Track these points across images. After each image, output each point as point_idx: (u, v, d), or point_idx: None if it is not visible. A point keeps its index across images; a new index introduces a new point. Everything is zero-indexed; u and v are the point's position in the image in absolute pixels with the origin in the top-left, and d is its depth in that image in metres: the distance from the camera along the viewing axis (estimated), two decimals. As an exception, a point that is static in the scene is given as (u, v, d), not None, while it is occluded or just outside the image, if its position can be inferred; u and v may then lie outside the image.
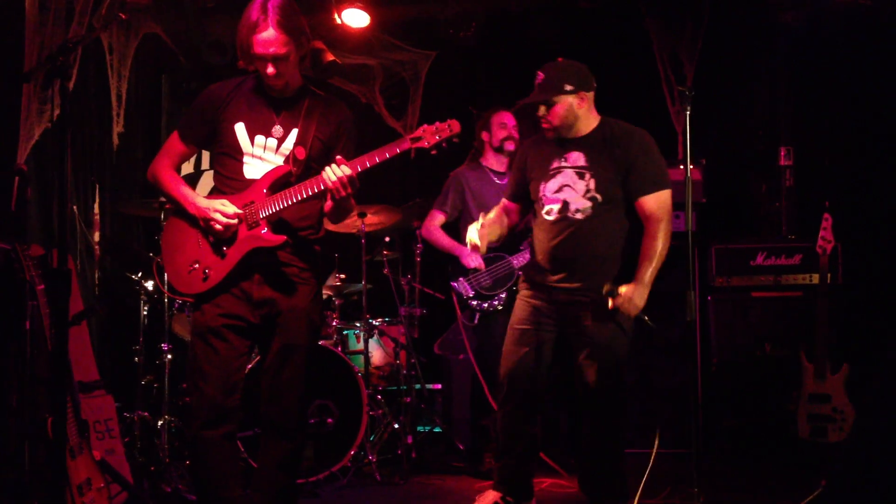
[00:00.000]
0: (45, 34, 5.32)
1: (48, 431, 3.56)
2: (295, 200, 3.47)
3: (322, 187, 3.44)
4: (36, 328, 3.90)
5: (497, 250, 5.27)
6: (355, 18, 6.48)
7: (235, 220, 3.50)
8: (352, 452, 5.19)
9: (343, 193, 3.41)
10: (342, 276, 6.14)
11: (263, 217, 3.49)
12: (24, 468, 3.98)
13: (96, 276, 6.04)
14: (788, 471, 5.30)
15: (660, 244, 4.02)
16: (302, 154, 3.55)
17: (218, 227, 3.50)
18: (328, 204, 3.59)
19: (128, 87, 6.34)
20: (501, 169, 5.60)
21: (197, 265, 3.56)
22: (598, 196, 4.12)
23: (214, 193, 3.66)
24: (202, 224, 3.55)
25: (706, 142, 5.62)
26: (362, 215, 5.70)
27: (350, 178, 3.38)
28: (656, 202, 4.07)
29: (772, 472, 5.38)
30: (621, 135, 4.20)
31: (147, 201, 5.47)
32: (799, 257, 5.96)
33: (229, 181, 3.63)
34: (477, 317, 5.32)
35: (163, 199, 5.20)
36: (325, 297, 6.26)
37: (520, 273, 5.04)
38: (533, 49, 7.06)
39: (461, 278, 5.37)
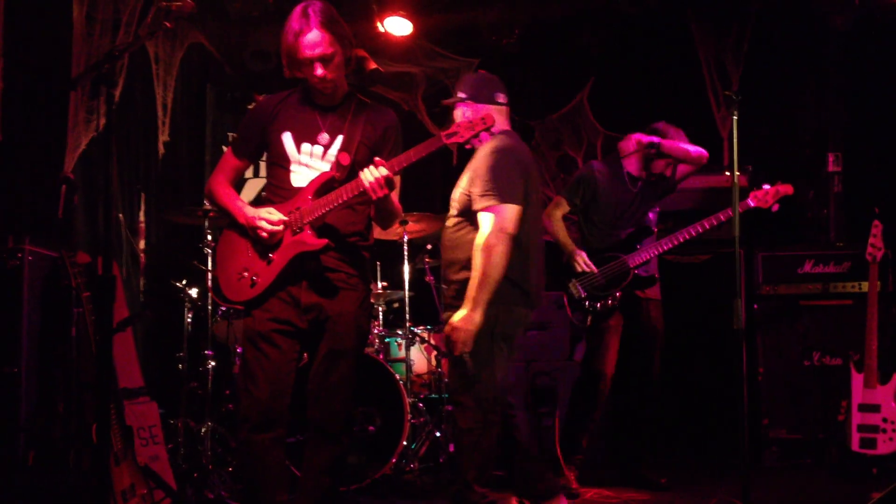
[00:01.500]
0: (93, 44, 5.39)
1: (93, 437, 3.60)
2: (337, 204, 3.50)
3: (345, 199, 3.48)
4: (82, 335, 3.94)
5: (613, 250, 5.23)
6: (398, 26, 6.49)
7: (280, 227, 3.54)
8: (393, 461, 5.18)
9: (380, 194, 3.43)
10: (384, 283, 6.14)
11: (307, 222, 3.53)
12: (70, 473, 4.01)
13: (141, 283, 6.10)
14: (837, 482, 5.21)
15: (478, 260, 3.80)
16: (346, 160, 3.57)
17: (263, 234, 3.55)
18: (374, 208, 3.66)
19: (173, 97, 6.41)
20: (639, 175, 5.35)
21: (246, 273, 3.61)
22: (457, 205, 4.08)
23: (265, 203, 3.70)
24: (251, 233, 3.60)
25: (753, 147, 5.55)
26: (404, 223, 5.71)
27: (387, 178, 3.41)
28: (484, 216, 3.86)
29: (820, 483, 5.29)
30: (482, 147, 4.08)
31: (192, 209, 5.52)
32: (848, 265, 5.87)
33: (278, 190, 3.68)
34: (589, 318, 5.25)
35: (207, 207, 5.24)
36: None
37: (635, 272, 5.13)
38: (576, 55, 7.04)
39: (574, 280, 5.25)
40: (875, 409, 5.20)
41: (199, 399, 5.50)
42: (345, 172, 3.56)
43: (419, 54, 6.96)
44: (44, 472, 4.16)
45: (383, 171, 3.40)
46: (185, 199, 6.66)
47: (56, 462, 4.14)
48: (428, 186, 7.54)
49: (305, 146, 3.64)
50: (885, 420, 5.17)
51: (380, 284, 6.14)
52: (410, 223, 5.78)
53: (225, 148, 6.71)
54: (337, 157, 3.59)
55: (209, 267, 5.33)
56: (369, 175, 3.40)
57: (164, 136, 6.40)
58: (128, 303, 5.27)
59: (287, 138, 3.65)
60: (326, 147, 3.64)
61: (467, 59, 7.10)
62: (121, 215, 5.91)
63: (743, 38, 6.53)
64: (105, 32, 5.45)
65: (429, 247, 6.17)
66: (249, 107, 4.68)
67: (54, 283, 4.37)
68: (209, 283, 5.34)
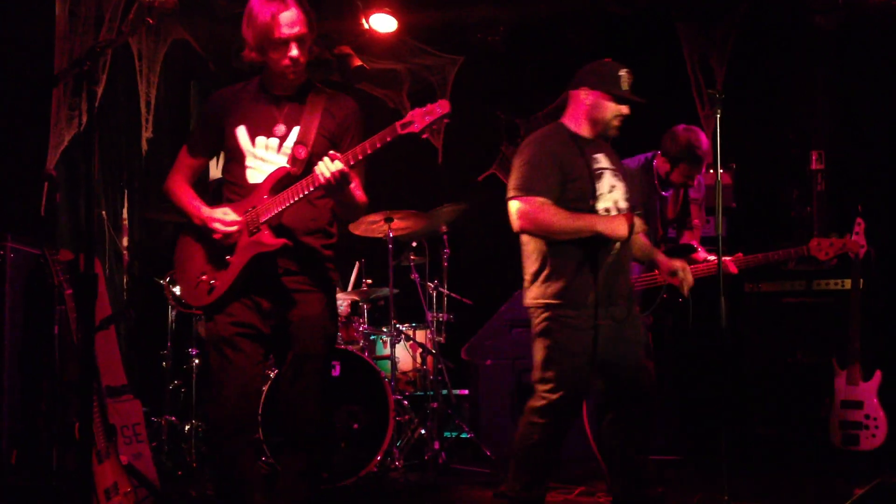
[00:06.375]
0: (75, 41, 5.36)
1: (76, 435, 3.58)
2: (293, 201, 3.36)
3: (303, 194, 3.35)
4: (64, 333, 3.92)
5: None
6: (383, 23, 6.48)
7: (234, 228, 3.42)
8: (378, 458, 5.18)
9: (337, 189, 3.30)
10: (369, 280, 6.13)
11: (264, 222, 3.39)
12: (53, 472, 3.99)
13: (125, 280, 6.08)
14: (820, 478, 5.23)
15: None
16: (302, 153, 3.44)
17: (216, 236, 3.43)
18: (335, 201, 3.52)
19: (157, 93, 6.38)
20: None
21: (204, 276, 3.48)
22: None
23: (223, 202, 3.57)
24: (208, 235, 3.48)
25: (736, 146, 5.58)
26: (389, 220, 5.69)
27: (342, 172, 3.26)
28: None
29: (804, 479, 5.31)
30: None
31: (175, 207, 5.49)
32: (831, 262, 5.89)
33: (234, 187, 3.54)
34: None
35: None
36: (352, 301, 6.27)
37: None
38: (562, 53, 7.04)
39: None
40: (858, 405, 5.23)
41: (182, 397, 5.49)
42: (301, 166, 3.43)
43: (404, 51, 6.96)
44: (27, 471, 4.14)
45: (338, 165, 3.25)
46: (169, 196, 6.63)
47: (39, 460, 4.12)
48: (414, 184, 7.54)
49: (260, 139, 3.49)
50: (867, 417, 5.20)
51: (364, 282, 6.14)
52: (396, 220, 5.76)
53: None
54: (293, 150, 3.45)
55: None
56: (324, 169, 3.26)
57: (147, 133, 6.36)
58: (111, 300, 5.24)
59: (241, 132, 3.50)
60: (282, 139, 3.48)
61: (452, 56, 7.10)
62: (104, 212, 5.88)
63: (728, 38, 6.55)
64: (88, 29, 5.42)
65: (414, 244, 6.17)
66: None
67: (37, 280, 4.35)
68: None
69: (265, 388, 5.09)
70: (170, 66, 6.54)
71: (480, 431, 6.09)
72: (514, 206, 3.90)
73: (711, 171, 5.67)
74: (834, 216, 6.41)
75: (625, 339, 3.96)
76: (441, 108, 3.24)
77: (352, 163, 3.28)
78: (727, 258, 4.96)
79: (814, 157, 6.52)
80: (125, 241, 6.05)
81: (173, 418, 5.29)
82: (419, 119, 3.23)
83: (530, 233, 3.93)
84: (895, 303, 5.86)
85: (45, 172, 5.03)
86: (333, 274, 3.64)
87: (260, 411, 5.10)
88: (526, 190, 3.88)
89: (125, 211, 6.22)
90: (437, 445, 5.59)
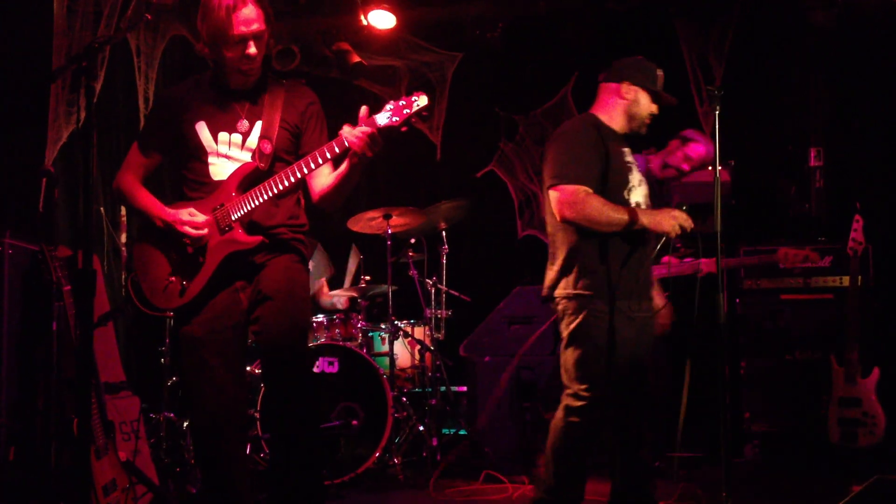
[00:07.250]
0: (73, 37, 5.36)
1: (74, 432, 3.58)
2: (268, 196, 3.33)
3: (293, 179, 3.30)
4: (62, 329, 3.92)
5: None
6: (381, 20, 6.48)
7: (206, 231, 3.36)
8: (376, 454, 5.18)
9: (368, 153, 3.21)
10: (367, 277, 6.13)
11: (236, 219, 3.35)
12: (51, 469, 3.99)
13: (123, 277, 6.07)
14: (819, 475, 5.24)
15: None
16: (268, 148, 3.40)
17: (188, 240, 3.38)
18: (332, 182, 3.43)
19: (155, 90, 6.37)
20: None
21: (173, 278, 3.41)
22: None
23: (183, 200, 3.50)
24: (173, 235, 3.41)
25: (735, 143, 5.58)
26: (388, 217, 5.70)
27: (371, 134, 3.19)
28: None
29: (802, 476, 5.32)
30: None
31: (173, 204, 5.49)
32: (829, 259, 5.89)
33: (196, 185, 3.48)
34: None
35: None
36: (350, 297, 6.27)
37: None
38: (560, 50, 7.04)
39: None
40: (856, 402, 5.24)
41: (181, 394, 5.48)
42: (268, 161, 3.39)
43: (403, 48, 6.95)
44: (25, 468, 4.14)
45: (365, 129, 3.19)
46: (167, 192, 6.62)
47: (37, 457, 4.12)
48: (412, 181, 7.54)
49: (223, 135, 3.44)
50: (865, 414, 5.20)
51: (363, 278, 6.14)
52: (394, 217, 5.77)
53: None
54: (259, 145, 3.41)
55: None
56: (351, 136, 3.19)
57: (145, 130, 6.35)
58: (109, 297, 5.24)
59: (202, 128, 3.44)
60: (245, 135, 3.43)
61: (451, 53, 7.09)
62: (102, 209, 5.87)
63: (726, 35, 6.54)
64: (86, 25, 5.42)
65: (412, 241, 6.16)
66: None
67: (35, 277, 4.35)
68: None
69: (263, 385, 5.11)
70: (168, 62, 6.53)
71: (478, 428, 6.09)
72: (554, 196, 3.81)
73: (710, 167, 5.68)
74: (832, 213, 6.41)
75: (641, 341, 3.93)
76: (420, 100, 3.18)
77: (329, 156, 3.26)
78: (705, 259, 5.01)
79: (812, 154, 6.53)
80: (123, 238, 6.03)
81: (172, 415, 5.28)
82: (398, 112, 3.19)
83: (573, 222, 3.81)
84: (894, 300, 5.86)
85: (43, 169, 5.02)
86: (304, 248, 3.56)
87: (258, 408, 5.13)
88: (566, 178, 3.79)
89: (123, 207, 6.21)
90: (434, 442, 5.59)
